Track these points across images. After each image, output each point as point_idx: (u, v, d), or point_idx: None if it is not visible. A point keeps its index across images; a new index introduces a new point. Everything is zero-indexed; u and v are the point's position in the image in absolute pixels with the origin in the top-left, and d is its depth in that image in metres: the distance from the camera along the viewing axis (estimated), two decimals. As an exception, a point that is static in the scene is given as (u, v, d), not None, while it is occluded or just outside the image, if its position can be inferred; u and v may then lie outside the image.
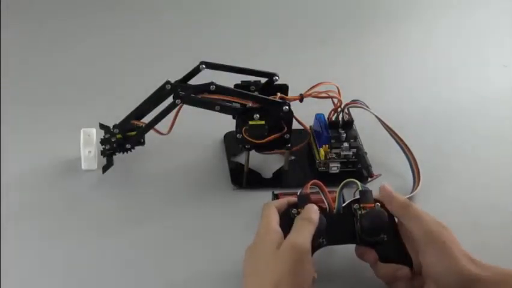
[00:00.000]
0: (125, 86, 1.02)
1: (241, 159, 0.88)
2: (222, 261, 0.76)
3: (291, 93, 0.85)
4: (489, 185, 0.88)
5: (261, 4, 1.24)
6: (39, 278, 0.74)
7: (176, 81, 0.83)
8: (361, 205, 0.72)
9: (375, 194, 0.74)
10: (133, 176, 0.86)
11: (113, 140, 0.85)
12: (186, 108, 0.82)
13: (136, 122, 0.84)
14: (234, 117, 0.84)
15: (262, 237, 0.69)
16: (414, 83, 1.07)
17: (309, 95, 0.85)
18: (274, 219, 0.71)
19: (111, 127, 0.85)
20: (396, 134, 0.89)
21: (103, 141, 0.85)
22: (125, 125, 0.84)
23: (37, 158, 0.88)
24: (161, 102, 0.83)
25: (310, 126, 0.90)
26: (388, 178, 0.86)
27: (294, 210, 0.72)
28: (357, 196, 0.74)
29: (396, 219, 0.73)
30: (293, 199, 0.73)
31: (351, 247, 0.73)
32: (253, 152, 0.86)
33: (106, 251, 0.77)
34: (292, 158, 0.89)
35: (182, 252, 0.77)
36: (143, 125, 0.84)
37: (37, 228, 0.79)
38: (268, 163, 0.89)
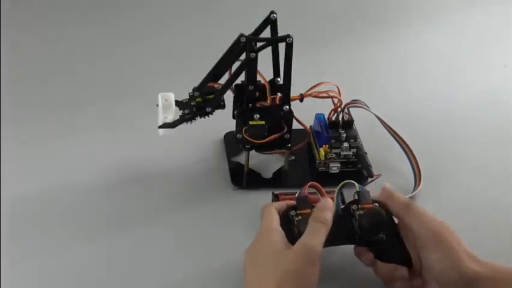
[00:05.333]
0: (129, 86, 1.02)
1: (241, 159, 0.88)
2: (222, 261, 0.76)
3: (291, 93, 0.85)
4: (489, 185, 0.88)
5: (261, 4, 1.24)
6: (39, 278, 0.74)
7: (249, 35, 0.80)
8: (359, 206, 0.72)
9: (374, 194, 0.74)
10: (133, 176, 0.86)
11: (192, 104, 0.79)
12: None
13: (213, 84, 0.80)
14: (233, 117, 0.84)
15: (265, 236, 0.69)
16: (414, 82, 1.07)
17: (309, 95, 0.85)
18: (275, 219, 0.71)
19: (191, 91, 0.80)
20: (396, 134, 0.88)
21: (181, 106, 0.80)
22: (203, 87, 0.80)
23: (37, 158, 0.88)
24: (237, 58, 0.79)
25: (310, 126, 0.90)
26: (388, 178, 0.86)
27: (292, 212, 0.72)
28: (356, 197, 0.74)
29: (395, 220, 0.73)
30: (292, 202, 0.73)
31: (350, 247, 0.73)
32: (253, 152, 0.86)
33: (105, 251, 0.77)
34: (292, 158, 0.89)
35: (182, 252, 0.77)
36: (220, 87, 0.80)
37: (37, 228, 0.79)
38: (268, 163, 0.89)
